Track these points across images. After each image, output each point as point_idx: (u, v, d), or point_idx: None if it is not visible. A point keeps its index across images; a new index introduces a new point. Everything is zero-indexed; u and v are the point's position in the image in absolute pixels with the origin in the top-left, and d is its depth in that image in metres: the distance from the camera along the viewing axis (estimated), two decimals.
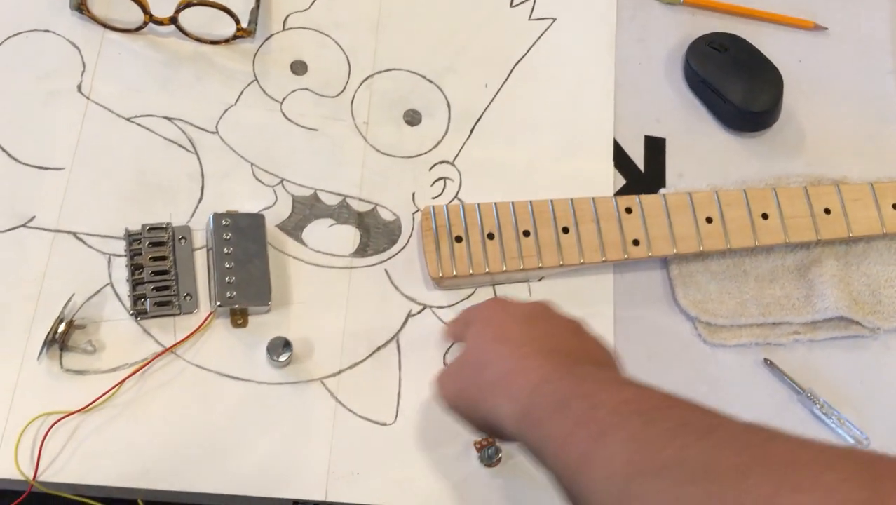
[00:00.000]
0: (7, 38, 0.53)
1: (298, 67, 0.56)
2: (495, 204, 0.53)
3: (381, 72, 0.57)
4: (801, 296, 0.56)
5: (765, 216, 0.56)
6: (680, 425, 0.32)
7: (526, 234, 0.53)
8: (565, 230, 0.53)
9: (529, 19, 0.61)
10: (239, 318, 0.49)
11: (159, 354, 0.47)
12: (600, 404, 0.34)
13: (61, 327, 0.46)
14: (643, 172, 0.59)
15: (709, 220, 0.55)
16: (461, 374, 0.42)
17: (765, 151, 0.61)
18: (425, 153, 0.56)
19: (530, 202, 0.53)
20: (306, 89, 0.55)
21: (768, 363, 0.55)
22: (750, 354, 0.55)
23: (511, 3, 0.61)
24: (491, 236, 0.52)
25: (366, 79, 0.57)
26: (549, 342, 0.41)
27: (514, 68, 0.59)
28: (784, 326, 0.56)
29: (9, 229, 0.48)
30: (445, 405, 0.43)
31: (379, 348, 0.50)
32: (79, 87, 0.52)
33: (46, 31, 0.53)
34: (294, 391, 0.48)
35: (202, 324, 0.48)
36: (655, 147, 0.60)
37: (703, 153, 0.60)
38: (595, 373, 0.38)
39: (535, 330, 0.42)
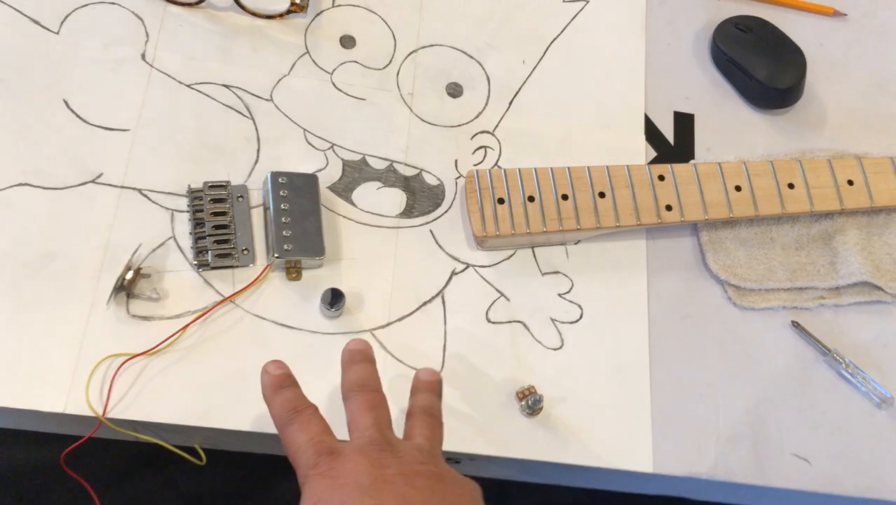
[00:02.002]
0: (76, 9, 0.56)
1: (347, 41, 0.59)
2: (535, 169, 0.55)
3: (424, 47, 0.60)
4: (825, 263, 0.59)
5: (791, 186, 0.58)
6: None
7: (564, 197, 0.55)
8: (601, 195, 0.56)
9: (563, 1, 0.64)
10: (293, 272, 0.51)
11: (219, 303, 0.50)
12: None
13: (129, 275, 0.48)
14: (673, 146, 0.62)
15: (738, 188, 0.58)
16: None
17: (789, 128, 0.64)
18: (467, 123, 0.58)
19: (568, 168, 0.56)
20: (355, 62, 0.58)
21: (795, 325, 0.57)
22: (778, 317, 0.58)
23: None
24: (531, 199, 0.55)
25: (410, 53, 0.60)
26: None
27: (549, 46, 0.62)
28: (810, 291, 0.58)
29: (79, 184, 0.51)
30: None
31: (425, 303, 0.53)
32: (143, 56, 0.55)
33: (112, 3, 0.56)
34: (346, 341, 0.51)
35: (260, 275, 0.51)
36: (684, 122, 0.63)
37: (730, 129, 0.63)
38: None
39: (387, 497, 0.36)
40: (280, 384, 0.42)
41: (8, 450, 0.51)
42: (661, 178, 0.57)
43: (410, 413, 0.43)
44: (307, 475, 0.39)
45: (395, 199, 0.55)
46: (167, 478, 0.53)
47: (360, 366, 0.43)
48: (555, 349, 0.53)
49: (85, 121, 0.53)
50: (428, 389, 0.44)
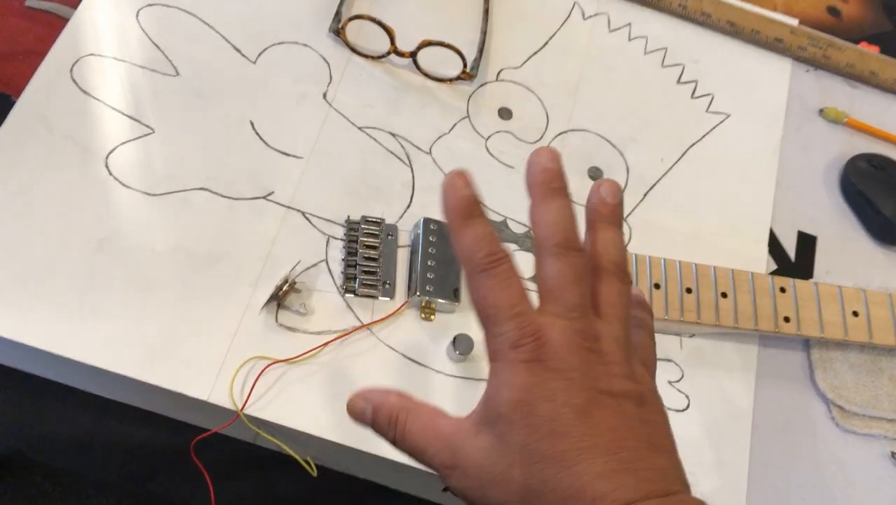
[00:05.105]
0: (273, 45, 0.62)
1: (505, 113, 0.64)
2: (664, 259, 0.58)
3: (573, 130, 0.65)
4: None
5: None
6: None
7: (688, 291, 0.58)
8: (724, 295, 0.58)
9: (707, 111, 0.68)
10: (428, 312, 0.55)
11: (359, 328, 0.53)
12: None
13: (285, 287, 0.52)
14: (793, 262, 0.64)
15: (855, 313, 0.59)
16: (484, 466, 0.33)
17: None
18: None
19: (694, 264, 0.59)
20: (509, 132, 0.63)
21: (895, 457, 0.58)
22: (878, 445, 0.58)
23: (692, 95, 0.68)
24: (657, 286, 0.58)
25: (560, 133, 0.64)
26: (622, 448, 0.31)
27: (688, 150, 0.66)
28: None
29: (253, 198, 0.56)
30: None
31: None
32: (324, 95, 0.61)
33: (305, 45, 0.62)
34: (466, 385, 0.53)
35: (398, 309, 0.54)
36: (807, 243, 0.65)
37: (851, 257, 0.65)
38: None
39: (599, 424, 0.32)
40: (471, 212, 0.36)
41: (136, 428, 0.54)
42: (783, 290, 0.59)
43: (598, 269, 0.36)
44: (506, 354, 0.34)
45: (529, 263, 0.58)
46: (270, 483, 0.56)
47: (559, 204, 0.36)
48: None
49: (266, 143, 0.58)
50: (610, 221, 0.37)
